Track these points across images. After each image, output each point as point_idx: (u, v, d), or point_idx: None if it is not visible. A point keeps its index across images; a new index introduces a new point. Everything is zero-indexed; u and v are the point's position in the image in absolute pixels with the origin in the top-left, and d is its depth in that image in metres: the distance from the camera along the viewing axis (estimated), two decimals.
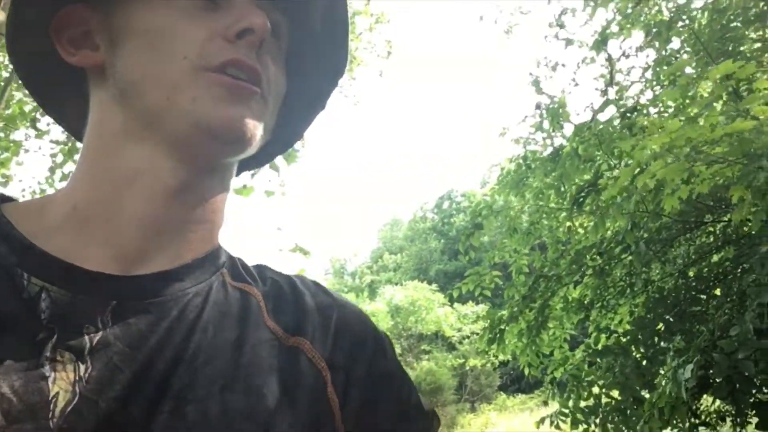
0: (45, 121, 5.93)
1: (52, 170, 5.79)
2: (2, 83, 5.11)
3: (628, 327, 5.24)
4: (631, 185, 3.25)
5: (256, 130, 0.57)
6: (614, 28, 5.87)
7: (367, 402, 0.61)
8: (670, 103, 4.78)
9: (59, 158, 5.76)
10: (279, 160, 5.50)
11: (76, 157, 5.27)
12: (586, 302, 5.52)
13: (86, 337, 0.50)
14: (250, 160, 0.71)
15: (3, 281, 0.51)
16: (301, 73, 0.70)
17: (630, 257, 4.93)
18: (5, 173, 5.92)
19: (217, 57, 0.55)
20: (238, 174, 0.72)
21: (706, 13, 5.16)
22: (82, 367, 0.49)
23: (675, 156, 2.46)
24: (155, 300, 0.55)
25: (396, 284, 29.39)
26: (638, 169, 2.91)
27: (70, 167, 5.82)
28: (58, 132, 5.99)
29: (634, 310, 5.44)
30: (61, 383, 0.47)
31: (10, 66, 5.51)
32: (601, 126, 4.71)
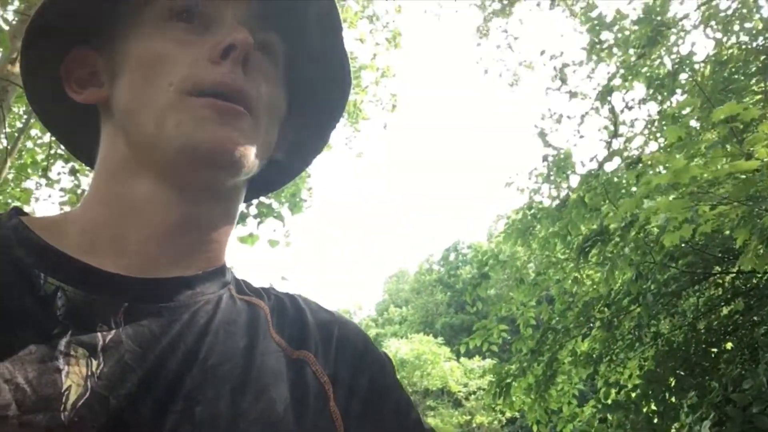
0: (56, 171, 6.02)
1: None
2: (15, 134, 5.21)
3: (638, 381, 5.13)
4: (637, 235, 3.23)
5: (246, 150, 0.57)
6: (617, 81, 5.96)
7: (369, 416, 0.62)
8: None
9: (67, 208, 5.80)
10: (284, 210, 5.53)
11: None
12: (594, 356, 5.42)
13: (99, 335, 0.51)
14: (260, 185, 0.72)
15: (20, 280, 0.52)
16: (307, 93, 0.70)
17: (638, 309, 4.86)
18: None
19: (201, 80, 0.56)
20: (250, 199, 0.75)
21: (708, 66, 5.23)
22: (95, 363, 0.50)
23: (679, 193, 2.45)
24: (167, 304, 0.56)
25: (401, 337, 29.06)
26: (643, 201, 2.89)
27: None
28: (67, 181, 6.07)
29: (643, 364, 5.34)
30: (74, 377, 0.48)
31: (24, 117, 5.66)
32: (607, 176, 4.73)
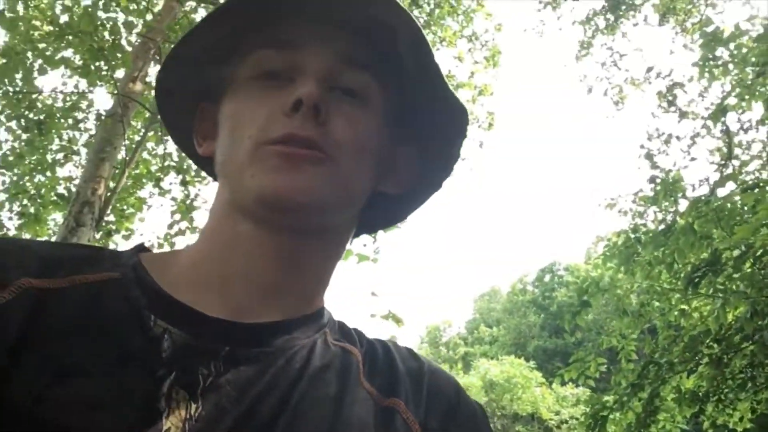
0: (168, 181, 6.37)
1: (170, 226, 6.17)
2: (133, 146, 5.57)
3: (749, 425, 4.75)
4: (753, 267, 3.00)
5: (315, 194, 0.59)
6: (732, 100, 5.61)
7: None
8: None
9: (177, 216, 6.13)
10: None
11: (192, 213, 5.60)
12: (700, 394, 5.07)
13: (200, 377, 0.54)
14: (385, 215, 0.77)
15: (133, 320, 0.56)
16: (417, 121, 0.72)
17: (752, 347, 4.51)
18: (129, 227, 6.37)
19: (274, 132, 0.60)
20: (383, 228, 0.81)
21: None
22: (194, 407, 0.52)
23: None
24: (265, 349, 0.59)
25: (492, 358, 28.50)
26: (760, 230, 2.68)
27: (186, 224, 6.19)
28: (178, 191, 6.41)
29: (756, 407, 4.94)
30: (174, 419, 0.51)
31: (141, 130, 6.04)
32: (719, 201, 4.43)
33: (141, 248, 0.66)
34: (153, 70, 5.49)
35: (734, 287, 3.75)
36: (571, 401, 22.21)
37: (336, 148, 0.61)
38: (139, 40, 5.37)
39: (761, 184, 4.91)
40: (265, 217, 0.61)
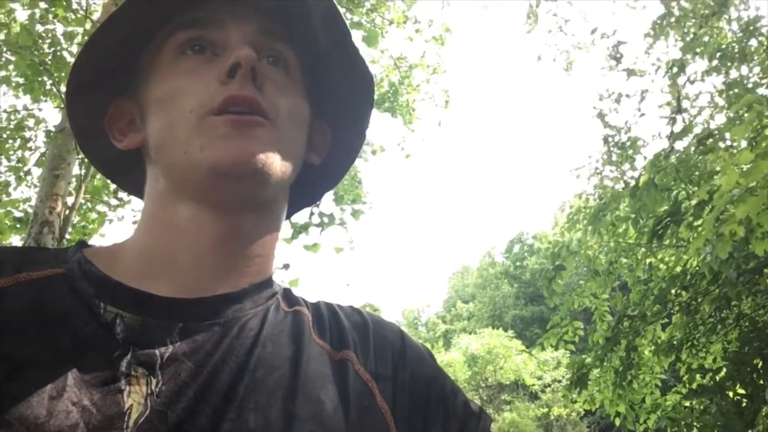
0: (126, 193, 6.24)
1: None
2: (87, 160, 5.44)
3: (722, 365, 4.92)
4: (716, 233, 3.08)
5: (267, 158, 0.60)
6: (676, 54, 5.73)
7: (417, 406, 0.65)
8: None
9: None
10: (347, 216, 5.58)
11: None
12: (675, 343, 5.23)
13: (157, 352, 0.55)
14: (303, 193, 0.76)
15: (84, 309, 0.57)
16: (332, 96, 0.74)
17: (717, 290, 4.67)
18: (92, 244, 6.23)
19: (215, 99, 0.60)
20: (299, 209, 0.80)
21: None
22: (154, 381, 0.54)
23: (754, 194, 2.33)
24: (218, 320, 0.60)
25: (471, 333, 28.83)
26: (720, 212, 2.78)
27: None
28: (138, 202, 6.29)
29: (727, 347, 5.12)
30: (135, 396, 0.52)
31: None
32: (677, 154, 4.55)
33: (83, 244, 0.66)
34: None
35: (694, 235, 3.85)
36: (552, 364, 22.65)
37: (274, 111, 0.62)
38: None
39: (714, 134, 5.05)
40: (214, 191, 0.60)
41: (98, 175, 6.34)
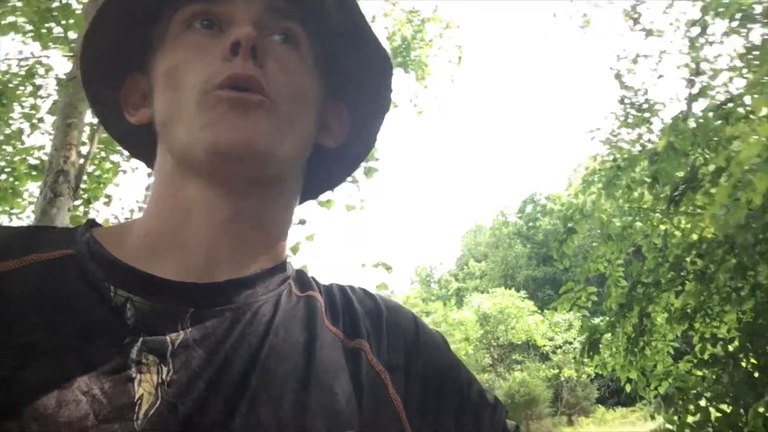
0: None
1: (147, 188, 6.06)
2: None
3: (736, 335, 4.86)
4: (732, 201, 2.98)
5: (267, 138, 0.59)
6: (696, 14, 5.51)
7: (430, 397, 0.63)
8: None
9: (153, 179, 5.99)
10: (359, 174, 5.51)
11: None
12: (689, 311, 5.17)
13: (168, 339, 0.54)
14: (323, 177, 0.77)
15: (93, 293, 0.56)
16: (347, 77, 0.72)
17: (734, 259, 4.57)
18: (107, 193, 6.25)
19: (216, 77, 0.59)
20: (318, 194, 0.80)
21: None
22: (165, 370, 0.52)
23: None
24: (230, 306, 0.59)
25: (483, 292, 28.97)
26: (737, 180, 2.68)
27: None
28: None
29: (741, 317, 5.05)
30: (146, 386, 0.51)
31: None
32: (697, 119, 4.40)
33: (93, 224, 0.65)
34: None
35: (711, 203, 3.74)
36: (564, 326, 22.77)
37: (276, 90, 0.61)
38: None
39: (735, 99, 4.88)
40: (216, 171, 0.60)
41: None
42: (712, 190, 3.56)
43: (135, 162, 6.42)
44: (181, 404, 0.51)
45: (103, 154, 6.29)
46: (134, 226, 0.65)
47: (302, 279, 0.69)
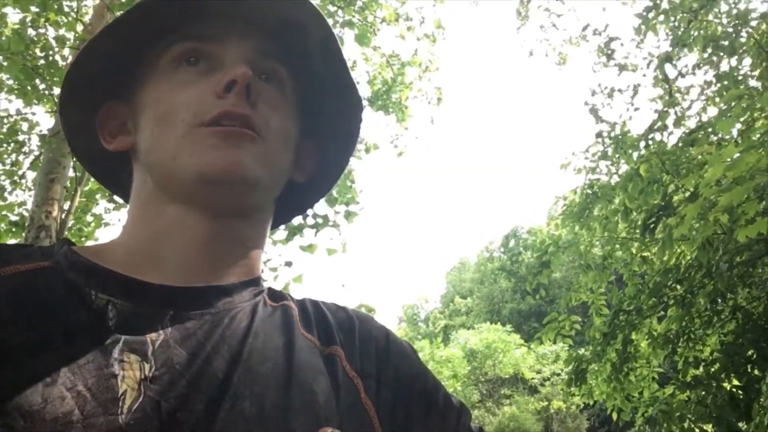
0: None
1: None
2: None
3: (717, 356, 4.95)
4: (700, 222, 3.11)
5: (254, 170, 0.62)
6: (667, 47, 5.73)
7: (400, 403, 0.66)
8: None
9: None
10: (340, 218, 5.58)
11: None
12: (671, 336, 5.26)
13: (148, 339, 0.56)
14: (289, 207, 0.79)
15: (74, 298, 0.57)
16: (321, 118, 0.76)
17: (711, 283, 4.69)
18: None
19: (209, 113, 0.62)
20: (284, 221, 0.82)
21: (765, 22, 5.00)
22: (147, 366, 0.54)
23: (742, 186, 2.36)
24: (209, 310, 0.61)
25: (469, 328, 28.82)
26: (706, 205, 2.81)
27: None
28: None
29: (723, 339, 5.14)
30: (129, 381, 0.52)
31: None
32: (661, 146, 4.57)
33: (68, 242, 0.67)
34: None
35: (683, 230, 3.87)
36: (550, 358, 22.68)
37: (265, 128, 0.65)
38: (72, 54, 5.24)
39: (704, 127, 5.07)
40: (201, 196, 0.62)
41: (92, 179, 6.35)
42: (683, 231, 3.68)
43: (117, 215, 6.44)
44: (164, 401, 0.52)
45: (86, 207, 6.30)
46: (111, 245, 0.67)
47: (275, 293, 0.71)
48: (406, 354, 0.72)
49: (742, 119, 3.22)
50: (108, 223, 6.37)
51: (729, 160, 2.38)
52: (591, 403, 6.26)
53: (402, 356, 0.71)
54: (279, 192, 0.71)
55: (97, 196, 6.37)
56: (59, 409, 0.49)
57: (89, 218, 6.35)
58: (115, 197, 6.13)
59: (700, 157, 3.49)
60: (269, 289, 0.72)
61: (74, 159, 4.84)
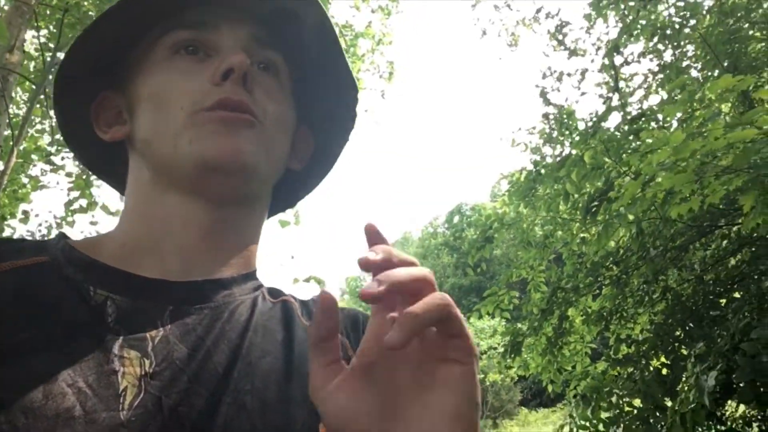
0: (60, 156, 6.03)
1: (68, 204, 5.86)
2: (19, 122, 5.21)
3: (648, 335, 5.19)
4: (641, 194, 3.26)
5: (254, 156, 0.62)
6: (613, 33, 5.87)
7: None
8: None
9: (75, 194, 5.81)
10: None
11: (92, 189, 5.31)
12: (605, 313, 5.48)
13: (148, 336, 0.56)
14: (285, 196, 0.79)
15: (73, 295, 0.57)
16: (317, 105, 0.76)
17: (646, 266, 4.89)
18: (25, 209, 5.99)
19: (207, 100, 0.62)
20: (278, 212, 0.81)
21: (711, 16, 5.17)
22: (147, 362, 0.54)
23: (682, 168, 2.48)
24: (208, 304, 0.61)
25: None
26: (645, 181, 2.94)
27: (85, 200, 5.89)
28: (72, 166, 6.08)
29: (653, 319, 5.39)
30: (129, 378, 0.53)
31: (26, 104, 5.62)
32: (608, 133, 4.71)
33: (65, 236, 0.66)
34: (30, 36, 5.12)
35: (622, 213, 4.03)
36: (488, 332, 23.26)
37: (263, 114, 0.64)
38: (9, 5, 4.98)
39: (645, 113, 5.24)
40: (201, 183, 0.62)
41: (29, 138, 6.08)
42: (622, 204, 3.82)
43: (55, 175, 6.20)
44: (165, 396, 0.52)
45: (22, 168, 6.05)
46: (108, 237, 0.67)
47: (274, 290, 0.72)
48: None
49: (685, 106, 3.35)
50: (45, 185, 6.14)
51: (675, 145, 2.49)
52: (525, 376, 6.47)
53: None
54: (277, 180, 0.71)
55: (34, 157, 6.12)
56: (61, 405, 0.49)
57: (25, 180, 6.11)
58: (54, 158, 5.91)
59: (648, 141, 3.62)
60: (269, 287, 0.72)
61: (8, 119, 4.63)
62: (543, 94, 6.41)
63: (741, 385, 3.48)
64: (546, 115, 6.29)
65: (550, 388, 6.02)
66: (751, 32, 5.01)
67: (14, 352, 0.51)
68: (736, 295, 4.85)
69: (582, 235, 5.40)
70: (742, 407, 4.28)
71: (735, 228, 5.02)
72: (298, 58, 0.72)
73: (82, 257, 0.61)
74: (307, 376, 0.59)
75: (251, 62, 0.65)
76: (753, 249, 4.79)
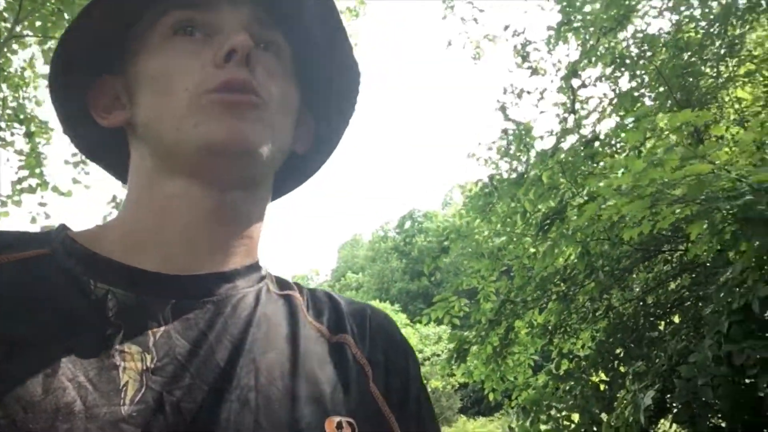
0: (10, 131, 5.83)
1: (17, 182, 5.68)
2: None
3: (589, 352, 5.36)
4: (596, 216, 3.39)
5: (260, 138, 0.61)
6: (574, 55, 6.04)
7: (405, 395, 0.67)
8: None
9: (25, 172, 5.64)
10: None
11: (40, 169, 5.16)
12: (550, 327, 5.63)
13: (150, 332, 0.55)
14: (286, 180, 0.77)
15: (72, 287, 0.56)
16: (320, 88, 0.74)
17: (592, 285, 5.06)
18: None
19: (211, 82, 0.60)
20: (280, 195, 0.79)
21: (666, 50, 5.39)
22: (148, 357, 0.53)
23: (638, 195, 2.60)
24: (210, 298, 0.60)
25: None
26: (602, 204, 3.06)
27: (35, 180, 5.72)
28: (23, 143, 5.89)
29: (595, 335, 5.57)
30: (130, 373, 0.52)
31: None
32: (563, 155, 4.86)
33: (65, 227, 0.65)
34: None
35: (572, 233, 4.17)
36: (433, 339, 23.50)
37: (267, 94, 0.63)
38: None
39: (599, 138, 5.43)
40: (206, 167, 0.60)
41: None
42: (579, 223, 3.95)
43: (4, 152, 6.00)
44: (166, 392, 0.51)
45: None
46: (110, 226, 0.65)
47: (280, 280, 0.71)
48: (412, 353, 0.73)
49: (641, 136, 3.51)
50: None
51: (635, 172, 2.61)
52: (466, 383, 6.58)
53: (409, 354, 0.72)
54: (281, 163, 0.68)
55: None
56: (61, 399, 0.48)
57: None
58: (3, 135, 5.70)
59: (602, 164, 3.77)
60: (275, 276, 0.71)
61: None
62: (503, 109, 6.53)
63: (676, 405, 3.63)
64: (505, 131, 6.41)
65: (491, 396, 6.14)
66: (703, 68, 5.25)
67: (14, 346, 0.50)
68: (675, 319, 5.07)
69: (533, 250, 5.54)
70: (674, 426, 4.47)
71: (677, 254, 5.25)
72: (301, 38, 0.70)
73: (83, 249, 0.60)
74: (313, 372, 0.59)
75: (254, 42, 0.63)
76: (693, 275, 5.01)
